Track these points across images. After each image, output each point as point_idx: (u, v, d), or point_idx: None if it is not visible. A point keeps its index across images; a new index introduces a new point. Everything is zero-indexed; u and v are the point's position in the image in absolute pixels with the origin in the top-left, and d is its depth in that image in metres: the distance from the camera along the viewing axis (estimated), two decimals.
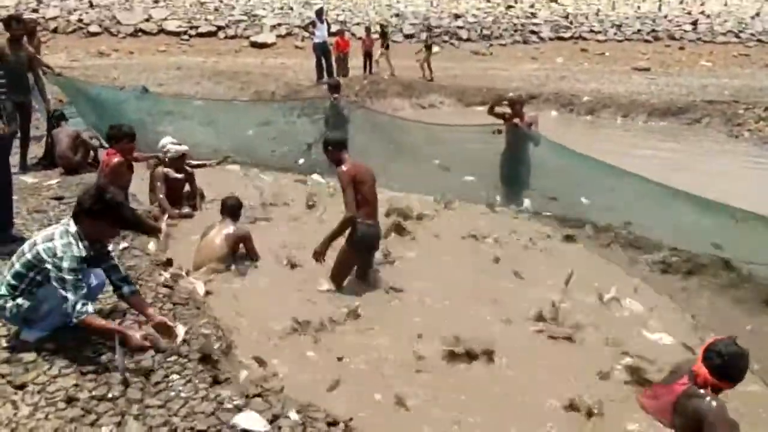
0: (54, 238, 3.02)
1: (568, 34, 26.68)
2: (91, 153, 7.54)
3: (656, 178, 5.65)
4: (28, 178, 6.56)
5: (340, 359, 3.76)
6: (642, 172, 7.49)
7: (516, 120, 6.84)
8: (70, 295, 2.93)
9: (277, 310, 4.34)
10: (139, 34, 23.43)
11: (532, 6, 29.65)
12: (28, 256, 3.04)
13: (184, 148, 6.48)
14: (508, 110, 7.08)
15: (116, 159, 5.45)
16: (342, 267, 4.86)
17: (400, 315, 4.48)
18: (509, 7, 29.25)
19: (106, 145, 8.46)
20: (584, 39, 26.43)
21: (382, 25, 19.54)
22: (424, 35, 19.72)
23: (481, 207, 6.99)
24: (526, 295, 4.74)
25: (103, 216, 3.08)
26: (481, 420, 3.26)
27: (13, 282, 3.04)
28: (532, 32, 26.66)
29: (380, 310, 4.53)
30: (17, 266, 3.04)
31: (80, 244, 3.05)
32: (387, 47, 17.42)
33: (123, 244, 4.73)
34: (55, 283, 2.95)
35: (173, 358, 3.16)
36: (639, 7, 29.90)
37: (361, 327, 4.22)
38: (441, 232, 6.14)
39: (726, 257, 5.05)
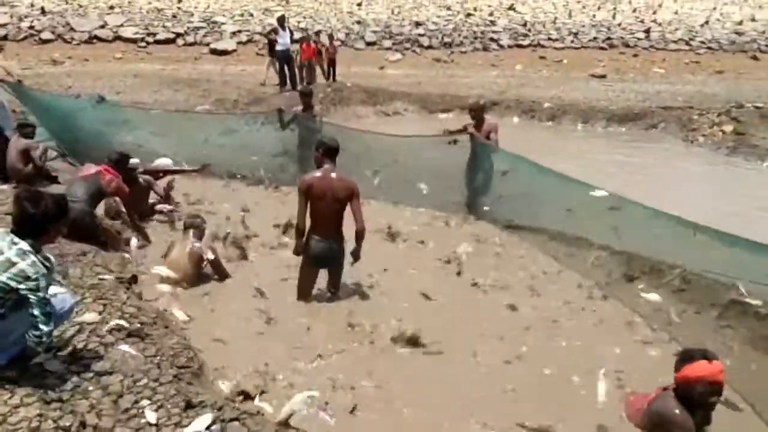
0: (16, 263, 2.76)
1: (526, 42, 27.12)
2: (45, 164, 7.27)
3: (616, 184, 5.78)
4: None
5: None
6: (602, 178, 7.74)
7: (471, 130, 6.85)
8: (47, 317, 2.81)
9: (244, 329, 4.23)
10: (94, 41, 22.77)
11: (491, 14, 30.08)
12: None
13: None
14: (463, 125, 7.14)
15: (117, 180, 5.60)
16: (299, 281, 4.86)
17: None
18: (469, 14, 29.61)
19: (65, 154, 8.28)
20: (542, 46, 26.91)
21: (269, 31, 18.87)
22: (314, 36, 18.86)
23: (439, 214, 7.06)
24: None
25: (60, 222, 2.99)
26: None
27: None
28: (492, 39, 27.01)
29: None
30: None
31: (38, 259, 2.84)
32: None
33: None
34: (36, 306, 2.76)
35: (144, 381, 3.03)
36: (594, 15, 30.65)
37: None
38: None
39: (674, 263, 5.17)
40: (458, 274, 5.52)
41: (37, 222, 2.87)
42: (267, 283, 5.06)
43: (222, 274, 5.16)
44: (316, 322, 4.47)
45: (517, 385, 3.75)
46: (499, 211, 6.85)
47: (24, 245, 2.82)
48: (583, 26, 28.95)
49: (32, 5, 24.86)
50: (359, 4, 29.99)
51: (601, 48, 27.12)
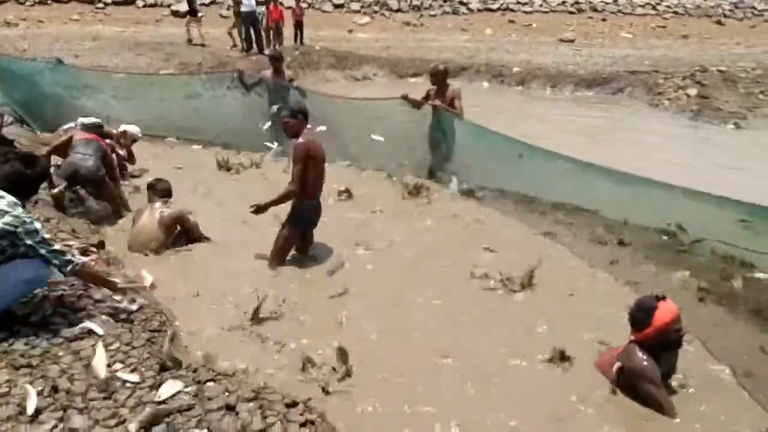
0: (9, 211, 2.92)
1: (495, 6, 26.94)
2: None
3: (583, 147, 5.84)
4: None
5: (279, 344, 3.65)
6: (569, 141, 7.80)
7: (435, 102, 6.67)
8: (55, 247, 3.04)
9: (219, 295, 4.19)
10: (49, 1, 21.80)
11: None
12: None
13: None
14: (426, 91, 6.96)
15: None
16: (285, 245, 4.77)
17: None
18: None
19: (22, 119, 7.98)
20: (512, 10, 26.78)
21: None
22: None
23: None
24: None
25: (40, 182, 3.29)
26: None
27: None
28: (462, 3, 26.74)
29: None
30: None
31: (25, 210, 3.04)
32: (194, 14, 16.76)
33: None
34: (37, 246, 2.95)
35: (116, 346, 2.99)
36: None
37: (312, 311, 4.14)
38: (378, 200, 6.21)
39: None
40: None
41: (31, 182, 3.16)
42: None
43: (199, 238, 5.08)
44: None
45: None
46: (461, 177, 6.84)
47: (12, 198, 2.99)
48: None
49: None
50: None
51: (570, 12, 27.13)
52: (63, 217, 4.86)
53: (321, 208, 4.89)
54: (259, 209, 4.59)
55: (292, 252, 4.86)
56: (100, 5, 22.23)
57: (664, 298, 3.16)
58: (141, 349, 2.98)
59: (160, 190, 5.21)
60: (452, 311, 4.08)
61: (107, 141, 6.04)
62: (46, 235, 3.08)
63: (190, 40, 16.02)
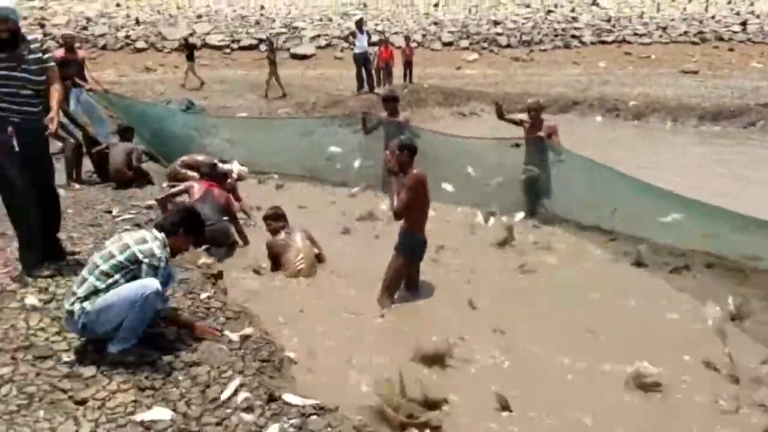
0: (147, 241, 3.25)
1: (610, 38, 26.15)
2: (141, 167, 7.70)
3: (708, 185, 5.43)
4: (81, 193, 6.71)
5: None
6: (693, 179, 7.29)
7: (540, 133, 6.55)
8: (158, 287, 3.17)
9: (331, 324, 4.31)
10: (184, 49, 24.00)
11: (572, 10, 29.21)
12: (121, 258, 3.17)
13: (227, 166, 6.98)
14: (521, 117, 6.91)
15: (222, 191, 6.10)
16: (395, 277, 4.84)
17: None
18: (549, 12, 28.90)
19: (156, 157, 8.74)
20: (628, 42, 25.86)
21: (185, 38, 20.47)
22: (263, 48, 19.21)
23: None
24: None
25: (192, 234, 3.58)
26: None
27: (96, 282, 3.12)
28: (574, 36, 26.24)
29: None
30: (105, 267, 3.15)
31: (166, 251, 3.33)
32: (191, 59, 17.59)
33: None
34: (148, 276, 3.17)
35: (229, 373, 3.15)
36: (685, 9, 29.14)
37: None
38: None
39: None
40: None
41: (171, 224, 3.47)
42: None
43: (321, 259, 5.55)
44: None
45: None
46: (560, 211, 6.62)
47: (158, 235, 3.35)
48: (673, 20, 27.57)
49: (128, 16, 26.54)
50: (436, 5, 29.95)
51: (693, 42, 25.75)
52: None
53: (426, 243, 4.91)
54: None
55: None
56: (228, 50, 24.14)
57: None
58: (251, 378, 3.10)
59: (282, 216, 5.54)
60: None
61: (223, 181, 6.42)
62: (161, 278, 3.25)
63: (183, 85, 16.74)
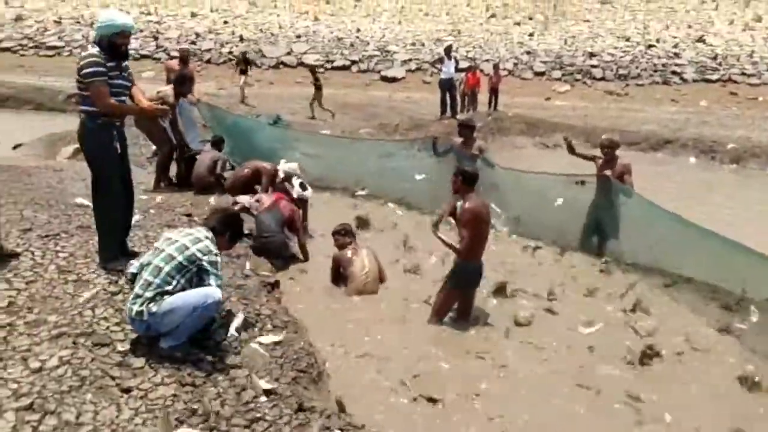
0: (201, 240, 3.53)
1: (715, 76, 24.78)
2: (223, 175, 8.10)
3: None
4: (165, 195, 7.14)
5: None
6: None
7: (608, 172, 6.33)
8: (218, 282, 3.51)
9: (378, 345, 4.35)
10: (280, 66, 25.12)
11: (675, 46, 27.96)
12: (180, 258, 3.43)
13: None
14: (594, 153, 6.73)
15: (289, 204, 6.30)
16: (444, 305, 4.85)
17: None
18: (650, 46, 27.81)
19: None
20: (734, 82, 24.39)
21: (243, 53, 19.73)
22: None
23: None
24: None
25: (234, 241, 3.93)
26: None
27: (162, 284, 3.37)
28: (674, 73, 25.09)
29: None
30: (168, 269, 3.40)
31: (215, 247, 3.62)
32: (245, 73, 17.28)
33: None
34: (210, 275, 3.47)
35: (266, 379, 3.26)
36: None
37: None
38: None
39: None
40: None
41: (221, 225, 3.75)
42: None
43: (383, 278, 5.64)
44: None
45: None
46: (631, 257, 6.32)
47: (209, 233, 3.65)
48: None
49: (233, 33, 28.11)
50: (531, 35, 29.64)
51: None
52: (250, 256, 5.47)
53: (483, 270, 4.87)
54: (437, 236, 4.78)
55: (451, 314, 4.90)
56: (321, 70, 25.00)
57: None
58: (285, 387, 3.20)
59: (351, 233, 5.69)
60: None
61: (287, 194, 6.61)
62: (219, 271, 3.58)
63: (243, 100, 16.55)
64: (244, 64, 17.73)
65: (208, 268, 3.47)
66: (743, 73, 24.88)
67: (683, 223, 5.62)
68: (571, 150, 6.86)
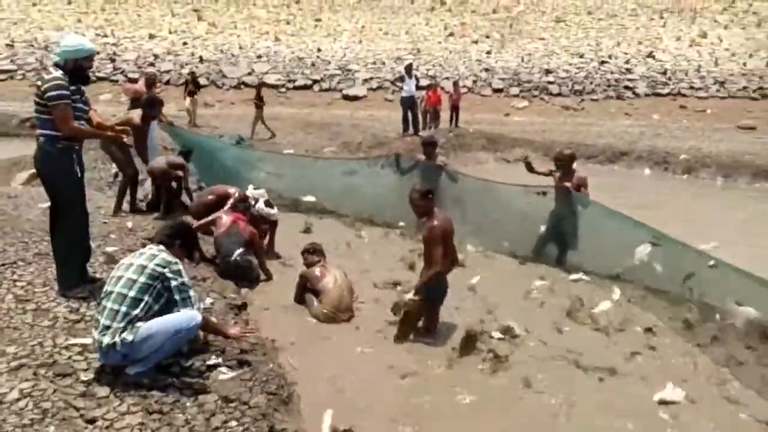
0: (156, 254, 3.47)
1: (665, 90, 25.76)
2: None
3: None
4: (126, 220, 7.00)
5: None
6: (735, 237, 7.04)
7: (567, 183, 6.51)
8: (192, 293, 3.48)
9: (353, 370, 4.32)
10: (242, 86, 25.02)
11: (627, 62, 28.98)
12: (142, 279, 3.35)
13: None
14: (551, 168, 6.96)
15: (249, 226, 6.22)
16: (410, 319, 4.84)
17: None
18: (603, 62, 28.75)
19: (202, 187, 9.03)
20: (683, 95, 25.40)
21: (191, 73, 19.01)
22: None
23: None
24: None
25: (187, 248, 3.83)
26: None
27: (130, 311, 3.27)
28: (627, 87, 25.98)
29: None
30: (132, 294, 3.31)
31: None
32: (193, 94, 16.66)
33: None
34: (178, 289, 3.40)
35: (235, 404, 3.22)
36: (745, 64, 28.44)
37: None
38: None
39: None
40: None
41: (168, 238, 3.68)
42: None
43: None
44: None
45: None
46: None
47: (161, 247, 3.58)
48: (732, 75, 26.95)
49: (192, 54, 27.94)
50: (488, 53, 30.30)
51: (752, 98, 25.04)
52: (217, 278, 5.41)
53: (447, 288, 4.91)
54: (417, 292, 4.72)
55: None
56: (283, 89, 25.03)
57: None
58: (256, 410, 3.17)
59: (320, 252, 5.68)
60: None
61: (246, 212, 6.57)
62: (187, 280, 3.52)
63: (194, 123, 15.87)
64: (192, 85, 17.02)
65: (172, 277, 3.40)
66: (692, 87, 25.93)
67: (643, 228, 5.80)
68: (530, 169, 7.11)
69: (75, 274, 4.33)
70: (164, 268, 3.41)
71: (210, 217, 6.36)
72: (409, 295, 4.73)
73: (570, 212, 6.55)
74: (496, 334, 4.85)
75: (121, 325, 3.24)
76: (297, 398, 3.69)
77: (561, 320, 5.31)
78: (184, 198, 7.76)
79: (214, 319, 3.92)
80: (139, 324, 3.26)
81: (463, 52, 30.62)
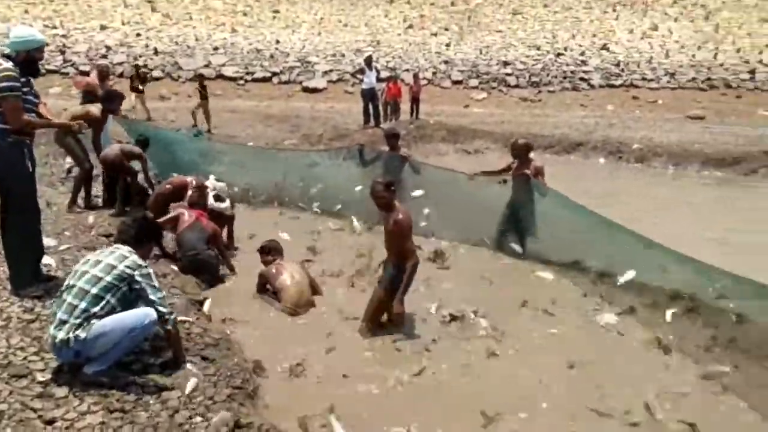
0: (127, 256, 3.41)
1: (618, 82, 26.42)
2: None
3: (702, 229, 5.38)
4: (81, 216, 6.80)
5: None
6: (687, 222, 7.28)
7: (527, 171, 6.63)
8: (160, 295, 3.44)
9: (317, 359, 4.32)
10: (198, 79, 24.46)
11: (582, 54, 29.59)
12: (109, 278, 3.28)
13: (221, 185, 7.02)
14: (501, 167, 7.10)
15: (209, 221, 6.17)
16: (379, 307, 4.87)
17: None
18: (559, 54, 29.29)
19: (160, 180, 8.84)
20: (636, 87, 26.10)
21: (137, 66, 18.11)
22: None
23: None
24: None
25: (154, 240, 3.92)
26: None
27: (89, 308, 3.20)
28: (582, 79, 26.54)
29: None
30: (95, 291, 3.24)
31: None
32: (141, 91, 15.85)
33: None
34: (148, 289, 3.37)
35: (199, 399, 3.19)
36: (694, 55, 29.40)
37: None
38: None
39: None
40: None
41: (128, 237, 3.60)
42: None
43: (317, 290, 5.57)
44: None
45: None
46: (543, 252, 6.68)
47: (130, 248, 3.51)
48: (681, 66, 27.83)
49: (147, 46, 27.21)
50: (448, 45, 30.48)
51: (701, 89, 25.93)
52: (178, 274, 5.33)
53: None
54: (400, 303, 4.71)
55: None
56: (241, 82, 24.63)
57: None
58: (221, 405, 3.15)
59: (276, 250, 5.63)
60: None
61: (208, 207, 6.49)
62: (155, 282, 3.46)
63: (148, 117, 15.13)
64: (138, 79, 15.83)
65: (143, 281, 3.35)
66: (644, 78, 26.67)
67: (597, 218, 5.95)
68: (484, 173, 7.24)
69: (28, 272, 4.20)
70: (134, 270, 3.36)
71: (172, 214, 6.25)
72: (396, 303, 4.70)
73: (528, 200, 6.66)
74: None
75: (77, 321, 3.17)
76: (262, 392, 3.68)
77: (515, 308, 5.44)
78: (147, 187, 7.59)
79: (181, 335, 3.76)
80: (93, 321, 3.19)
81: (423, 44, 30.71)
